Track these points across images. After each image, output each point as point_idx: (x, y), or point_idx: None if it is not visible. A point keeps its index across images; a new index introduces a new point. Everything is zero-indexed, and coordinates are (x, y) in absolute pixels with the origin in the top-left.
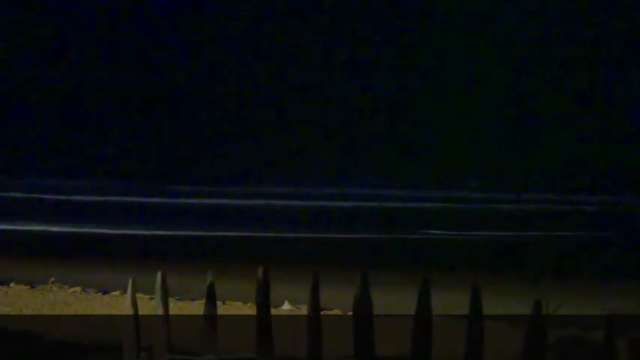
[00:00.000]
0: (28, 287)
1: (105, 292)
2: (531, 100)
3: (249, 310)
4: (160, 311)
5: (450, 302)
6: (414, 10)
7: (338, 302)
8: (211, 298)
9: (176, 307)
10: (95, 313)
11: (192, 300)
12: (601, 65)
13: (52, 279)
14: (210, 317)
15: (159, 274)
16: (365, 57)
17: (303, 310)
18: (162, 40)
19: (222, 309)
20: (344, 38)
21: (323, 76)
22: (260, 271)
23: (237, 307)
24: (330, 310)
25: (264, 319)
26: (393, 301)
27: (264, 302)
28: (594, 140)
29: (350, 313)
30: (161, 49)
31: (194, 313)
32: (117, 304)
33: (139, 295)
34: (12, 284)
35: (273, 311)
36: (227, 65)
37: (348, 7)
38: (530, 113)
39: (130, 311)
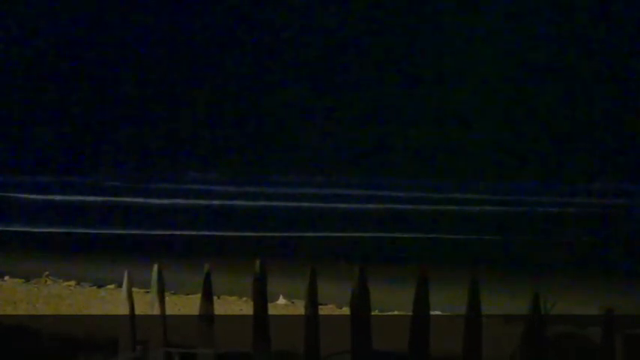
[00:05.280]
0: (22, 281)
1: (100, 286)
2: (530, 102)
3: (245, 304)
4: (156, 305)
5: (448, 301)
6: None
7: (332, 297)
8: (207, 293)
9: (171, 301)
10: (89, 307)
11: (188, 294)
12: (600, 67)
13: (47, 273)
14: (207, 311)
15: (155, 267)
16: (366, 60)
17: (298, 304)
18: (159, 39)
19: (218, 304)
20: (345, 39)
21: (323, 77)
22: (257, 264)
23: (233, 301)
24: (325, 304)
25: (260, 313)
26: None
27: (260, 295)
28: (592, 142)
29: (344, 308)
30: (163, 47)
31: (189, 307)
32: (112, 298)
33: (134, 290)
34: (6, 278)
35: (268, 306)
36: (230, 66)
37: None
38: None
39: (125, 304)
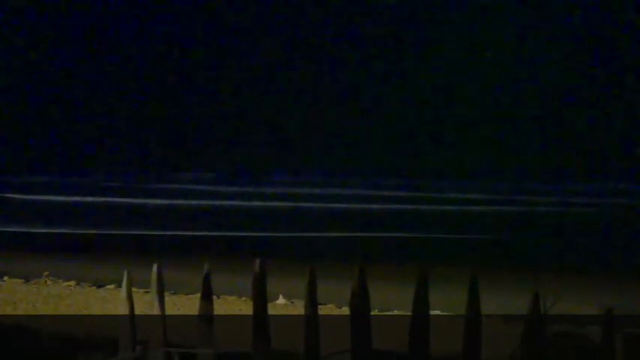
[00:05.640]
0: (22, 281)
1: (99, 286)
2: (528, 101)
3: (245, 304)
4: (156, 304)
5: (447, 300)
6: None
7: (332, 297)
8: (207, 292)
9: (171, 301)
10: (89, 307)
11: (188, 294)
12: (598, 63)
13: (47, 273)
14: (206, 311)
15: (154, 267)
16: (362, 59)
17: (298, 304)
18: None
19: (217, 303)
20: (343, 40)
21: (321, 76)
22: (256, 263)
23: (232, 301)
24: (325, 304)
25: (260, 313)
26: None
27: (260, 295)
28: (592, 142)
29: (344, 308)
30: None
31: (189, 307)
32: (111, 298)
33: (134, 290)
34: (6, 278)
35: (268, 306)
36: (233, 62)
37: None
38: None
39: (125, 303)
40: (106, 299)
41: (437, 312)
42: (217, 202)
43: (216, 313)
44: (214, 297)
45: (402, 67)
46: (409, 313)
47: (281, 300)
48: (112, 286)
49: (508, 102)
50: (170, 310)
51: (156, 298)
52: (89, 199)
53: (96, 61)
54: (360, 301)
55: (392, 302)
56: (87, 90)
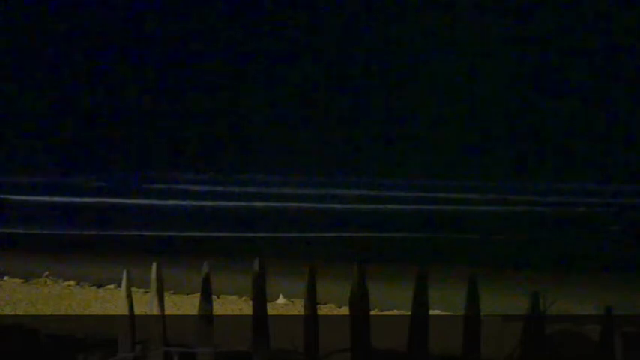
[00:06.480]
0: (22, 281)
1: (100, 286)
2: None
3: (244, 303)
4: (155, 303)
5: (447, 300)
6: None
7: (332, 296)
8: (207, 292)
9: (170, 301)
10: (89, 307)
11: (187, 294)
12: (602, 67)
13: (47, 273)
14: (206, 311)
15: (154, 265)
16: (359, 59)
17: (298, 303)
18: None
19: (217, 303)
20: (340, 40)
21: (320, 75)
22: (256, 263)
23: (232, 301)
24: (324, 303)
25: (259, 312)
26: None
27: (260, 294)
28: (592, 142)
29: (344, 307)
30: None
31: (189, 307)
32: (111, 297)
33: (133, 289)
34: (6, 278)
35: (268, 305)
36: (224, 64)
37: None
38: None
39: (124, 303)
40: (105, 299)
41: (437, 311)
42: (217, 203)
43: (216, 312)
44: (214, 297)
45: (401, 67)
46: (409, 313)
47: (281, 299)
48: (112, 286)
49: (508, 101)
50: (170, 310)
51: (155, 297)
52: (89, 199)
53: (94, 62)
54: (359, 301)
55: (392, 302)
56: (87, 90)
